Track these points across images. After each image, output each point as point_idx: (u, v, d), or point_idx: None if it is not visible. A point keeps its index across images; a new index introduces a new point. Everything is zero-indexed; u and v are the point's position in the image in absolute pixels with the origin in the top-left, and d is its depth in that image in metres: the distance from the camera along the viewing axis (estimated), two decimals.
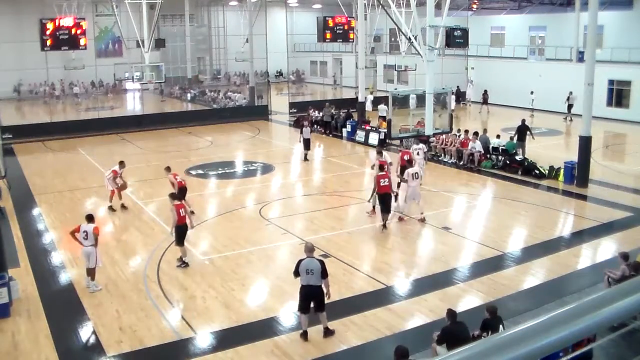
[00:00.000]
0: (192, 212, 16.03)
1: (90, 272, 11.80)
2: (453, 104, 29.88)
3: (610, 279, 10.30)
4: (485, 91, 36.80)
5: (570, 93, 30.96)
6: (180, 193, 15.85)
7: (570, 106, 31.28)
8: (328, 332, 9.82)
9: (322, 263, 9.67)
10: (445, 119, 25.70)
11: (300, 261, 9.73)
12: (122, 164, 17.44)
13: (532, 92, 33.09)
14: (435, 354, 8.40)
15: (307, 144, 23.48)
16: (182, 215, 12.70)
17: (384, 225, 14.78)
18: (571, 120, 31.17)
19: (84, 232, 11.72)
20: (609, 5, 30.57)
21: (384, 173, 14.86)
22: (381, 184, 14.59)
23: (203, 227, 15.70)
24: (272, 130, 33.39)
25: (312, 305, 9.67)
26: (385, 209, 14.69)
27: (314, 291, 9.60)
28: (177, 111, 39.71)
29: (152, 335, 9.95)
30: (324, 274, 9.56)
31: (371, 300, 11.12)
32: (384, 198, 14.66)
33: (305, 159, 23.46)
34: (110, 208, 17.08)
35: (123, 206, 17.25)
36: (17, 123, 32.65)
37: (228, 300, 11.25)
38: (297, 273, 9.69)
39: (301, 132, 23.71)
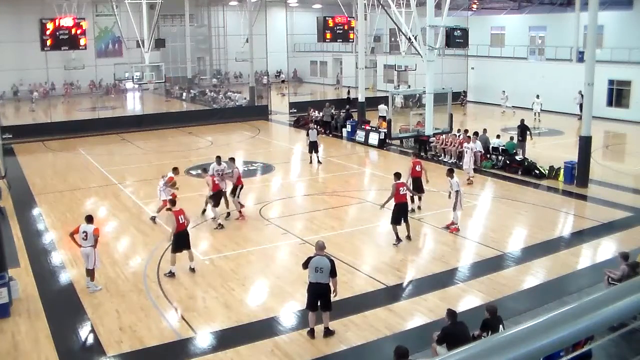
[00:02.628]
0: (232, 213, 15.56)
1: (90, 273, 11.79)
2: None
3: (610, 279, 10.30)
4: (465, 92, 36.88)
5: (580, 92, 30.73)
6: (216, 196, 15.41)
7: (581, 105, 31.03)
8: (328, 332, 9.82)
9: (332, 262, 9.64)
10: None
11: (310, 258, 9.73)
12: (175, 170, 16.26)
13: (537, 96, 31.65)
14: (435, 354, 8.39)
15: (314, 147, 22.60)
16: (180, 222, 12.31)
17: (409, 237, 14.14)
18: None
19: (83, 232, 11.66)
20: (609, 5, 30.57)
21: (401, 181, 14.19)
22: (400, 193, 13.84)
23: (203, 227, 15.70)
24: (272, 130, 33.39)
25: (319, 303, 9.69)
26: (404, 219, 14.01)
27: (322, 289, 9.61)
28: (177, 111, 39.72)
29: (152, 335, 9.95)
30: (332, 273, 9.56)
31: (371, 300, 11.12)
32: (403, 207, 14.01)
33: (318, 161, 22.58)
34: (153, 219, 15.89)
35: (153, 219, 15.79)
36: (17, 123, 32.73)
37: (228, 300, 11.25)
38: (305, 267, 9.74)
39: (307, 135, 23.08)
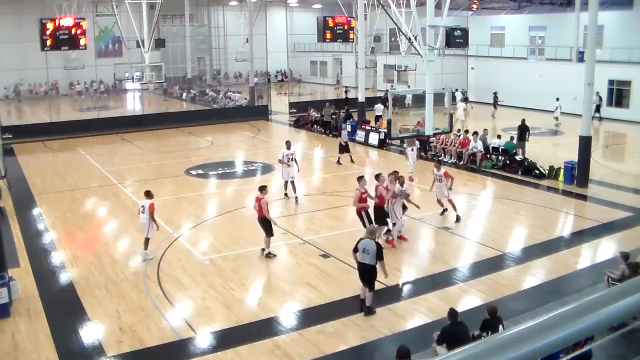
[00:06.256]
0: None
1: (145, 242, 13.02)
2: (449, 104, 29.85)
3: (610, 279, 10.30)
4: (495, 94, 34.99)
5: (597, 93, 30.25)
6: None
7: (597, 106, 30.43)
8: (369, 311, 10.38)
9: (378, 245, 10.36)
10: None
11: (360, 239, 10.50)
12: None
13: (557, 99, 30.34)
14: (435, 354, 8.39)
15: (345, 148, 22.84)
16: (256, 208, 13.23)
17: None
18: (600, 119, 31.00)
19: (141, 206, 13.08)
20: (609, 5, 30.57)
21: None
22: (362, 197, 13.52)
23: (203, 227, 15.69)
24: (272, 130, 33.39)
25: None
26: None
27: (367, 269, 10.37)
28: (177, 111, 39.71)
29: (152, 335, 9.95)
30: (379, 256, 10.25)
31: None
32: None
33: (351, 160, 22.81)
34: None
35: None
36: (17, 123, 32.73)
37: (228, 300, 11.25)
38: (355, 249, 10.43)
39: (340, 136, 23.77)
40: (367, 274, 10.41)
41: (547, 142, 26.74)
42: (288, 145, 17.95)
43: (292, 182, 17.74)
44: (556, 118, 30.19)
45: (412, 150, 20.68)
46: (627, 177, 20.24)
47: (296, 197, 17.77)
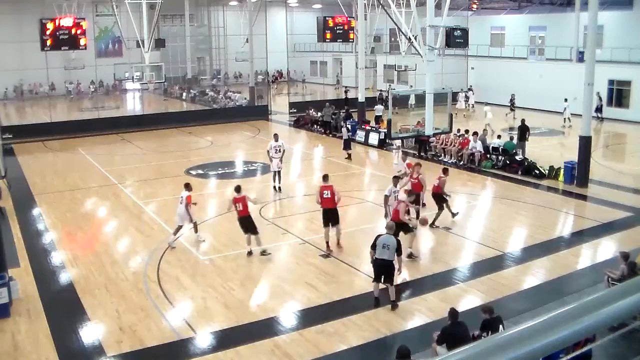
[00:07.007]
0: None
1: (176, 230, 13.89)
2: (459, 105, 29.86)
3: (610, 279, 10.30)
4: (513, 96, 33.97)
5: (598, 94, 29.91)
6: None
7: (598, 107, 30.52)
8: (394, 306, 10.59)
9: (398, 241, 10.60)
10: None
11: (378, 236, 10.68)
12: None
13: (565, 100, 30.26)
14: (435, 354, 8.40)
15: (347, 145, 23.95)
16: (238, 209, 13.21)
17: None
18: (601, 120, 31.03)
19: (181, 197, 13.86)
20: (609, 5, 30.55)
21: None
22: (324, 196, 13.40)
23: (203, 227, 15.68)
24: (272, 130, 33.28)
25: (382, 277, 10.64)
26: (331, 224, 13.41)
27: (386, 265, 10.51)
28: (177, 111, 39.71)
29: (152, 336, 9.95)
30: (398, 251, 10.50)
31: (371, 300, 11.09)
32: (326, 212, 13.44)
33: (349, 158, 23.67)
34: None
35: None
36: (17, 123, 32.72)
37: (228, 300, 11.25)
38: (373, 246, 10.60)
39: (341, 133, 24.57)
40: (385, 269, 10.54)
41: (547, 142, 26.73)
42: (276, 137, 18.97)
43: (279, 173, 18.74)
44: (566, 119, 30.00)
45: (397, 155, 21.11)
46: (627, 177, 20.24)
47: (279, 187, 18.76)
